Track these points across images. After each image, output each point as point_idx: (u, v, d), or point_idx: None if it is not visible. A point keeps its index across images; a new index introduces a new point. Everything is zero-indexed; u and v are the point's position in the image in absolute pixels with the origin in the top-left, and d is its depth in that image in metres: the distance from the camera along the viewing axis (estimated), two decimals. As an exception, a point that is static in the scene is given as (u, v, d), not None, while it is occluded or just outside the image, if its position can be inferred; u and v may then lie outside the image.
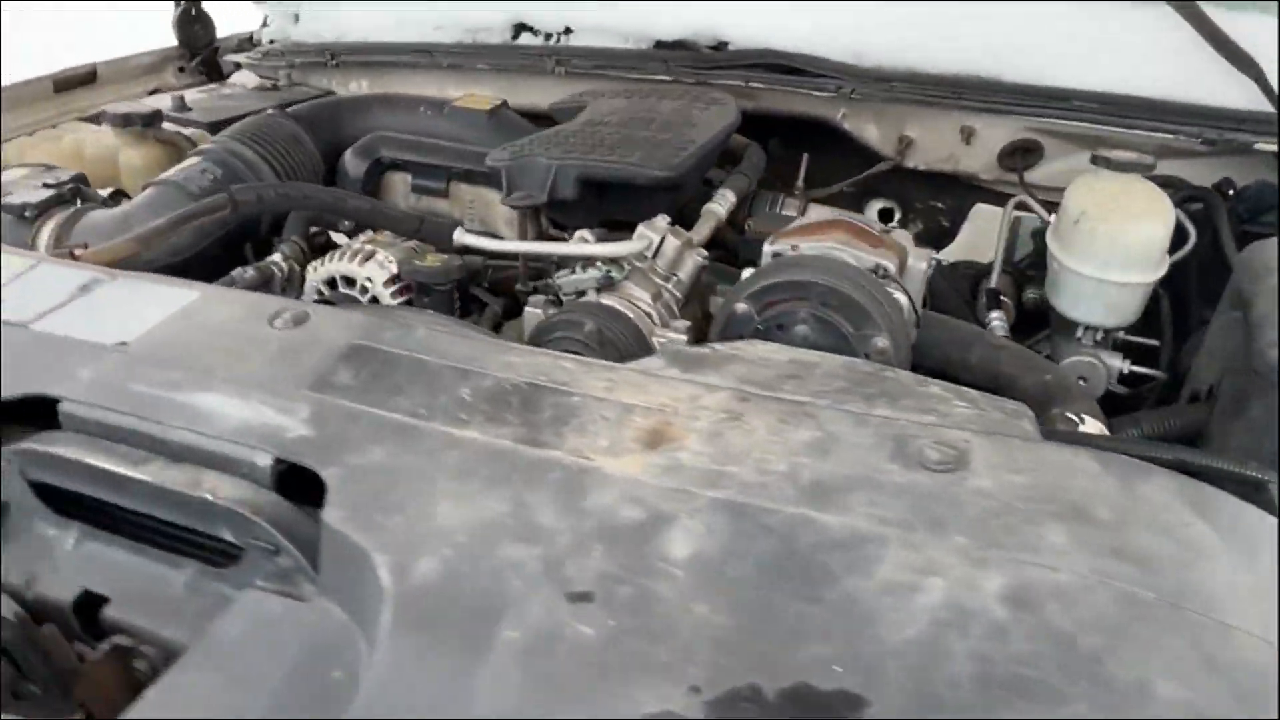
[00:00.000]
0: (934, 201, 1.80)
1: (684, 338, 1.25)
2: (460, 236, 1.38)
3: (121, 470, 0.79)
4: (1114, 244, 1.29)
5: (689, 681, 0.59)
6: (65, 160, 1.68)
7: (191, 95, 1.94)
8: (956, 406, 0.87)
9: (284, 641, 0.71)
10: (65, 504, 0.85)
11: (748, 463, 0.74)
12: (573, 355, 0.97)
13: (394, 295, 1.38)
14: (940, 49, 1.63)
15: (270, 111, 1.69)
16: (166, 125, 1.73)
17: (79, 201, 1.51)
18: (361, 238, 1.46)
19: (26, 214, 1.44)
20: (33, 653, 0.71)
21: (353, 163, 1.63)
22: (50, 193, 1.47)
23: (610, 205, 1.45)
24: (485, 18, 1.96)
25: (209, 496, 0.76)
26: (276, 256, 1.47)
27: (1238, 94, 1.51)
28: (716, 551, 0.67)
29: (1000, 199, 1.70)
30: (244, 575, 0.77)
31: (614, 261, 1.32)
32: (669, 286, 1.34)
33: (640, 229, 1.34)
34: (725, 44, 1.80)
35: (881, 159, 1.74)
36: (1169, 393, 1.42)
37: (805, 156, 1.69)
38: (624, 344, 1.22)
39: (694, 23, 1.81)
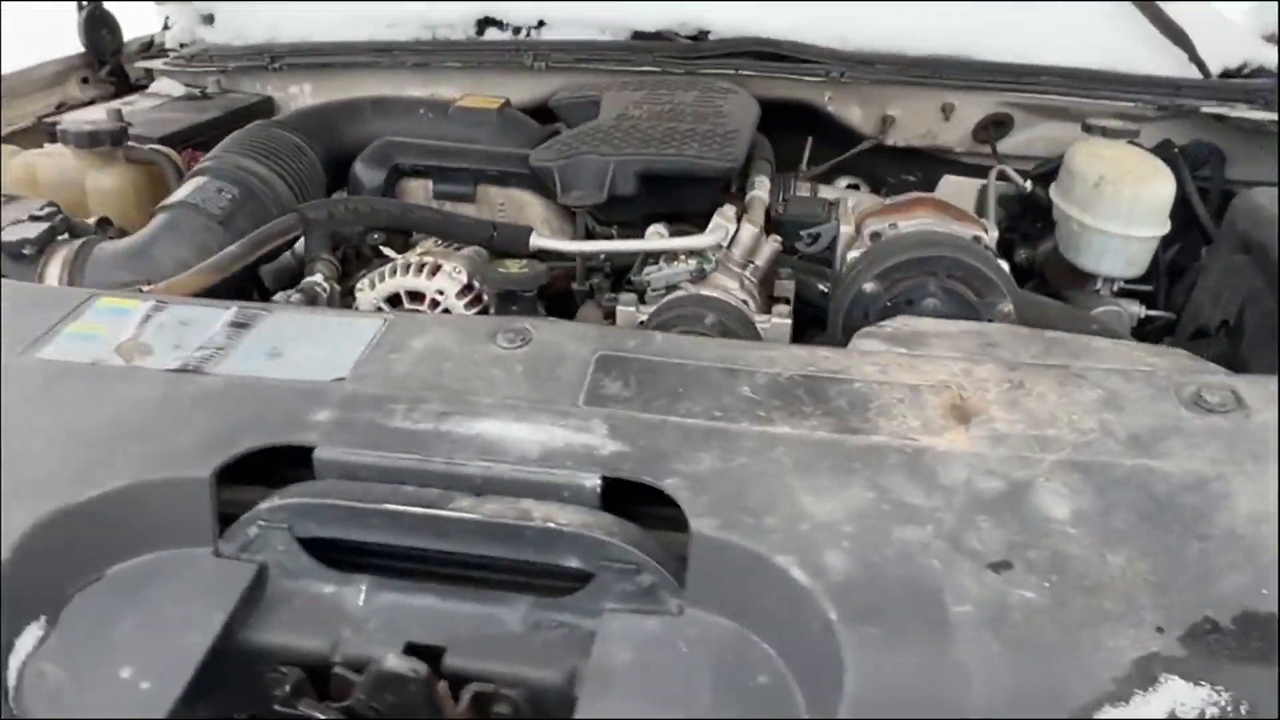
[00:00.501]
0: (906, 175, 1.92)
1: (788, 322, 1.29)
2: (536, 240, 1.35)
3: (435, 512, 0.74)
4: (1135, 202, 1.44)
5: (1150, 624, 0.64)
6: (17, 187, 1.48)
7: (126, 110, 1.75)
8: (1144, 356, 0.97)
9: (684, 658, 0.70)
10: (338, 558, 0.78)
11: (1061, 425, 0.80)
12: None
13: (467, 306, 1.33)
14: (921, 31, 1.75)
15: (260, 122, 1.56)
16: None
17: (68, 233, 1.35)
18: (419, 249, 1.39)
19: (26, 251, 1.27)
20: (429, 712, 0.66)
21: (366, 172, 1.53)
22: (44, 226, 1.30)
23: (662, 199, 1.46)
24: (446, 14, 1.88)
25: (553, 525, 0.73)
26: (318, 276, 1.37)
27: (1180, 65, 1.73)
28: (1091, 507, 0.73)
29: (967, 170, 1.85)
30: (590, 601, 0.74)
31: (699, 254, 1.33)
32: (748, 275, 1.37)
33: (715, 219, 1.36)
34: (706, 33, 1.83)
35: (860, 138, 1.84)
36: (1166, 332, 1.61)
37: (810, 140, 1.76)
38: (739, 334, 1.24)
39: (673, 12, 1.83)
